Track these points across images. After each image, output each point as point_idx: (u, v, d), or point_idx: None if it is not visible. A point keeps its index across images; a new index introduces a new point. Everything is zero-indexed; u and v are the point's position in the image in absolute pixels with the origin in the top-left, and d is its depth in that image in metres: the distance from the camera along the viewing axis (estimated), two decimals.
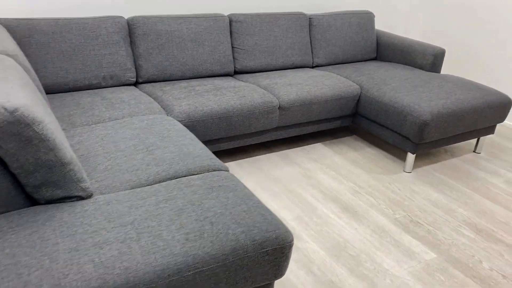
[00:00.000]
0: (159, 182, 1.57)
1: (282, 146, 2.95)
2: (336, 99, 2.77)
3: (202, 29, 2.78)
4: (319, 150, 2.93)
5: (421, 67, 3.26)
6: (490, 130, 2.93)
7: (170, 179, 1.59)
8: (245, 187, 1.56)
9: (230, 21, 2.94)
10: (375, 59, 3.60)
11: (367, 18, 3.46)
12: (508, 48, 3.43)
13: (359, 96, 2.87)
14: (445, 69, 3.96)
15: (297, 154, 2.85)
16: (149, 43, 2.61)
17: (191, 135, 1.93)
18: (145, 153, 1.71)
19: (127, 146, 1.76)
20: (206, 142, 2.47)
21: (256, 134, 2.63)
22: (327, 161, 2.78)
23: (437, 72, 3.23)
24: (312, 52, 3.28)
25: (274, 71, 3.08)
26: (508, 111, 2.86)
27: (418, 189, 2.53)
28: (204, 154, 1.76)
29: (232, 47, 2.95)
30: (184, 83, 2.64)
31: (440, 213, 2.31)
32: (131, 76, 2.59)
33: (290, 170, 2.64)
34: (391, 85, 2.80)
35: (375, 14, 3.90)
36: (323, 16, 3.28)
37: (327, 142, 3.06)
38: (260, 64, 3.02)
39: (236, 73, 3.03)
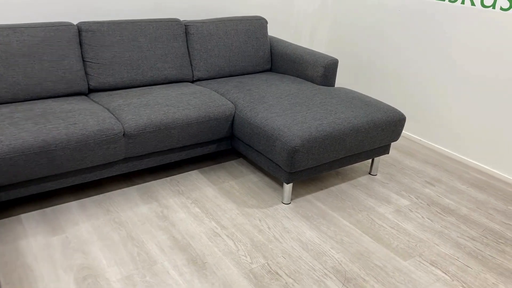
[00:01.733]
0: None
1: (148, 177, 2.52)
2: (202, 122, 2.37)
3: (38, 41, 2.31)
4: (191, 179, 2.51)
5: (312, 80, 2.91)
6: (384, 150, 2.61)
7: None
8: None
9: (80, 31, 2.48)
10: (270, 70, 3.23)
11: (258, 25, 3.08)
12: (411, 64, 3.15)
13: (233, 117, 2.49)
14: (351, 81, 3.66)
15: (163, 186, 2.43)
16: None
17: None
18: None
19: None
20: (27, 182, 2.00)
21: (99, 168, 2.19)
22: (196, 194, 2.38)
23: (329, 85, 2.89)
24: (191, 65, 2.87)
25: (140, 88, 2.64)
26: (402, 129, 2.55)
27: (291, 225, 2.16)
28: None
29: (84, 61, 2.49)
30: (5, 109, 2.15)
31: (308, 258, 1.95)
32: None
33: (144, 210, 2.21)
34: (268, 103, 2.43)
35: (276, 20, 3.54)
36: (203, 23, 2.88)
37: (206, 168, 2.65)
38: (122, 80, 2.58)
39: (92, 91, 2.57)
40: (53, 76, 2.36)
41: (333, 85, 2.92)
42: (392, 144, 3.16)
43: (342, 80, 3.73)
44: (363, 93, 3.54)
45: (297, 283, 1.79)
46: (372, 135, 2.39)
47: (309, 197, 2.42)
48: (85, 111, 2.18)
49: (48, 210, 2.15)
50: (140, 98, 2.41)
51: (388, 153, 2.66)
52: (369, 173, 2.72)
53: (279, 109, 2.34)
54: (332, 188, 2.52)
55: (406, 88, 3.21)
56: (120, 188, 2.38)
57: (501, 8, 2.57)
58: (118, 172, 2.25)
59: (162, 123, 2.24)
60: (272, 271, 1.85)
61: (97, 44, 2.50)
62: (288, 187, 2.30)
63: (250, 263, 1.89)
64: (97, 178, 2.20)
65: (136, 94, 2.49)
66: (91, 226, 2.05)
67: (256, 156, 2.40)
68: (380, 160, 2.89)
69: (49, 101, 2.32)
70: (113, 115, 2.23)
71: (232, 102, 2.54)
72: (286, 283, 1.79)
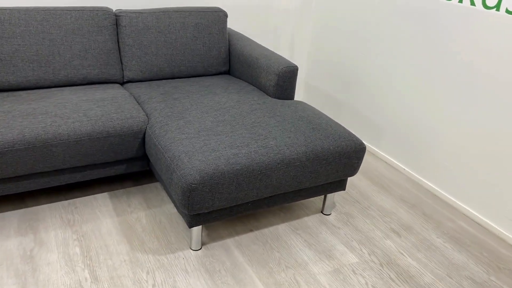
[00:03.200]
0: None
1: (43, 198, 2.08)
2: (98, 138, 1.90)
3: None
4: (93, 206, 2.06)
5: (265, 89, 2.37)
6: (338, 186, 2.05)
7: None
8: None
9: None
10: (228, 73, 2.71)
11: (213, 18, 2.56)
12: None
13: (144, 133, 2.00)
14: (331, 92, 3.06)
15: (54, 212, 1.99)
16: None
17: None
18: None
19: None
20: None
21: None
22: (87, 227, 1.92)
23: (285, 98, 2.34)
24: (122, 63, 2.40)
25: (48, 89, 2.20)
26: (359, 162, 1.98)
27: (184, 284, 1.66)
28: None
29: None
30: None
31: None
32: None
33: (12, 245, 1.78)
34: (186, 119, 1.92)
35: (253, 17, 3.00)
36: (140, 13, 2.39)
37: (121, 191, 2.19)
38: (26, 79, 2.15)
39: None
40: None
41: (291, 98, 2.36)
42: (365, 172, 2.58)
43: (324, 90, 3.15)
44: (340, 108, 2.95)
45: None
46: (313, 169, 1.83)
47: (229, 241, 1.91)
48: None
49: None
50: (31, 104, 1.97)
51: (344, 189, 2.09)
52: (321, 212, 2.17)
53: (194, 129, 1.84)
54: (265, 231, 1.99)
55: (393, 104, 2.59)
56: (1, 212, 1.96)
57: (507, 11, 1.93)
58: None
59: (38, 139, 1.78)
60: None
61: None
62: (196, 230, 1.80)
63: None
64: None
65: (34, 98, 2.05)
66: None
67: (164, 186, 1.91)
68: (340, 194, 2.32)
69: None
70: None
71: (147, 115, 2.06)
72: None
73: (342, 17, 2.88)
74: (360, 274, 1.79)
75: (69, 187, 2.18)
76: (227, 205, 1.72)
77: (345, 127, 3.01)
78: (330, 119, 2.06)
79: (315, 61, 3.21)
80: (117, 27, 2.37)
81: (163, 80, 2.48)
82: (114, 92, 2.21)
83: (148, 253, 1.80)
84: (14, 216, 1.94)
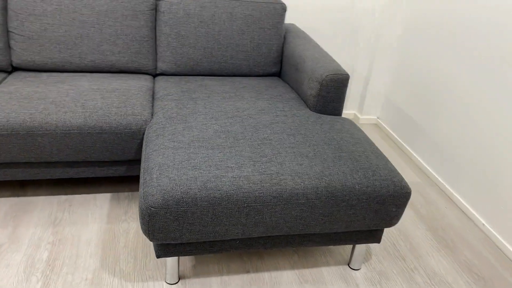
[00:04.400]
0: None
1: (43, 189, 1.94)
2: (89, 133, 1.67)
3: None
4: (88, 206, 1.86)
5: (306, 99, 1.94)
6: (371, 236, 1.55)
7: None
8: None
9: None
10: (277, 75, 2.33)
11: (267, 11, 2.20)
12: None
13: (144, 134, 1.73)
14: (410, 114, 2.47)
15: (46, 206, 1.83)
16: None
17: None
18: None
19: None
20: None
21: None
22: (70, 229, 1.71)
23: (328, 113, 1.88)
24: (156, 53, 2.17)
25: (70, 74, 2.06)
26: (402, 210, 1.46)
27: None
28: None
29: (8, 31, 2.01)
30: None
31: None
32: None
33: None
34: (187, 124, 1.60)
35: (334, 17, 2.57)
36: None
37: (124, 194, 1.96)
38: (51, 60, 2.03)
39: (17, 69, 2.08)
40: None
41: (338, 113, 1.89)
42: (428, 219, 1.99)
43: (403, 109, 2.57)
44: (417, 133, 2.34)
45: None
46: (327, 212, 1.38)
47: (214, 280, 1.54)
48: None
49: None
50: (39, 87, 1.82)
51: (378, 242, 1.58)
52: (348, 264, 1.68)
53: (189, 137, 1.50)
54: (265, 275, 1.58)
55: (482, 140, 1.96)
56: None
57: None
58: None
59: (22, 126, 1.61)
60: None
61: (24, 11, 1.98)
62: (171, 262, 1.47)
63: None
64: None
65: (49, 81, 1.91)
66: None
67: None
68: (368, 247, 1.79)
69: None
70: None
71: (152, 113, 1.78)
72: None
73: (438, 24, 2.29)
74: None
75: (73, 180, 2.01)
76: (202, 239, 1.36)
77: (416, 157, 2.42)
78: (374, 148, 1.57)
79: (399, 73, 2.65)
80: (155, 13, 2.14)
81: (197, 77, 2.19)
82: (133, 83, 1.98)
83: (115, 276, 1.52)
84: (5, 204, 1.82)
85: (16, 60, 2.03)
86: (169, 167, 1.34)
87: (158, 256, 1.41)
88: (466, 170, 2.04)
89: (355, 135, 1.64)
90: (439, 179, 2.24)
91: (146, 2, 2.09)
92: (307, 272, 1.61)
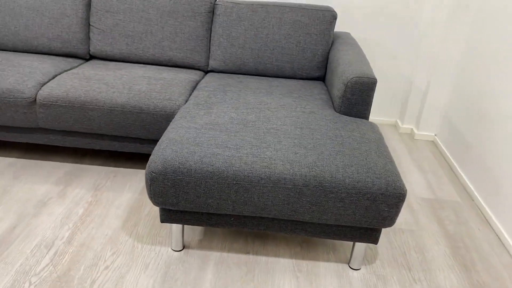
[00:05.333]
0: None
1: (96, 159, 2.24)
2: (129, 112, 1.92)
3: None
4: (130, 178, 2.11)
5: (334, 101, 1.99)
6: (367, 235, 1.56)
7: None
8: None
9: None
10: (321, 79, 2.40)
11: (316, 17, 2.31)
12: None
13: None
14: (463, 130, 2.34)
15: (95, 174, 2.12)
16: None
17: None
18: None
19: None
20: None
21: (12, 129, 2.05)
22: (107, 195, 1.97)
23: (352, 115, 1.90)
24: (209, 52, 2.39)
25: (133, 64, 2.36)
26: (395, 211, 1.45)
27: (131, 279, 1.52)
28: None
29: (89, 24, 2.38)
30: None
31: None
32: None
33: (38, 189, 1.97)
34: (209, 110, 1.77)
35: (394, 26, 2.59)
36: (236, 4, 2.33)
37: None
38: (120, 52, 2.36)
39: (94, 58, 2.44)
40: (49, 33, 2.33)
41: (363, 116, 1.91)
42: (455, 237, 1.88)
43: (459, 127, 2.45)
44: (468, 152, 2.21)
45: None
46: (315, 201, 1.43)
47: (214, 255, 1.67)
48: (23, 67, 2.06)
49: None
50: (101, 71, 2.14)
51: (375, 243, 1.57)
52: (348, 264, 1.68)
53: (206, 121, 1.67)
54: (262, 259, 1.67)
55: None
56: (59, 161, 2.20)
57: None
58: (26, 140, 2.07)
59: (77, 100, 1.91)
60: None
61: (102, 8, 2.33)
62: (175, 228, 1.64)
63: None
64: (5, 140, 2.09)
65: (112, 68, 2.23)
66: None
67: None
68: (393, 250, 1.76)
69: (33, 56, 2.31)
70: (43, 82, 2.04)
71: (186, 100, 1.98)
72: None
73: (501, 42, 2.19)
74: None
75: (121, 156, 2.29)
76: (197, 210, 1.50)
77: (463, 176, 2.29)
78: (382, 149, 1.58)
79: (458, 90, 2.55)
80: (212, 15, 2.36)
81: (243, 75, 2.36)
82: (182, 76, 2.21)
83: (131, 236, 1.72)
84: (65, 167, 2.15)
85: (93, 50, 2.39)
86: (176, 141, 1.51)
87: (161, 221, 1.58)
88: (510, 196, 1.91)
89: (366, 135, 1.66)
90: (481, 200, 2.11)
91: (205, 5, 2.32)
92: (304, 264, 1.66)
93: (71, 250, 1.63)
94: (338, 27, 2.71)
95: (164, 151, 1.47)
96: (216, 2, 2.35)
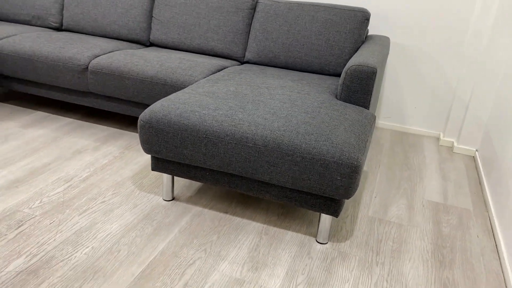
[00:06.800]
0: None
1: (129, 126, 2.59)
2: (156, 83, 2.22)
3: None
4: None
5: (338, 90, 2.06)
6: (328, 207, 1.61)
7: None
8: None
9: None
10: None
11: (348, 17, 2.42)
12: None
13: None
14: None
15: (124, 136, 2.46)
16: None
17: None
18: None
19: None
20: (13, 79, 2.57)
21: (63, 90, 2.49)
22: (130, 154, 2.29)
23: (352, 102, 1.96)
24: (247, 44, 2.62)
25: (182, 52, 2.69)
26: (349, 182, 1.50)
27: (118, 213, 1.77)
28: None
29: (152, 16, 2.78)
30: (63, 34, 2.76)
31: None
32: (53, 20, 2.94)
33: (84, 143, 2.35)
34: (215, 84, 1.98)
35: (446, 36, 2.59)
36: (276, 2, 2.55)
37: None
38: (172, 40, 2.71)
39: (153, 45, 2.83)
40: (120, 21, 2.78)
41: (363, 105, 1.95)
42: (441, 237, 1.80)
43: (494, 142, 2.31)
44: (491, 167, 2.06)
45: None
46: (272, 161, 1.55)
47: (196, 209, 1.85)
48: (89, 44, 2.50)
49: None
50: (151, 53, 2.49)
51: (335, 216, 1.61)
52: (315, 238, 1.74)
53: (205, 90, 1.89)
54: (236, 220, 1.81)
55: None
56: (97, 124, 2.59)
57: None
58: (76, 102, 2.49)
59: (117, 70, 2.27)
60: None
61: (163, 2, 2.72)
62: (166, 179, 1.86)
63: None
64: (56, 99, 2.54)
65: (158, 52, 2.58)
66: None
67: None
68: (376, 234, 1.76)
69: (104, 39, 2.78)
70: (87, 50, 2.45)
71: (204, 78, 2.22)
72: None
73: None
74: None
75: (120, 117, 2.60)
76: (176, 159, 1.70)
77: (486, 188, 2.15)
78: (357, 128, 1.64)
79: (500, 105, 2.41)
80: (253, 12, 2.60)
81: (271, 67, 2.53)
82: (213, 61, 2.47)
83: (134, 185, 1.99)
84: (107, 131, 2.52)
85: (152, 38, 2.78)
86: (169, 100, 1.75)
87: (152, 169, 1.82)
88: None
89: (347, 115, 1.72)
90: (493, 211, 1.97)
91: (247, 2, 2.57)
92: (274, 230, 1.76)
93: (83, 186, 1.94)
94: (382, 32, 2.75)
95: (156, 106, 1.71)
96: (258, 0, 2.59)
